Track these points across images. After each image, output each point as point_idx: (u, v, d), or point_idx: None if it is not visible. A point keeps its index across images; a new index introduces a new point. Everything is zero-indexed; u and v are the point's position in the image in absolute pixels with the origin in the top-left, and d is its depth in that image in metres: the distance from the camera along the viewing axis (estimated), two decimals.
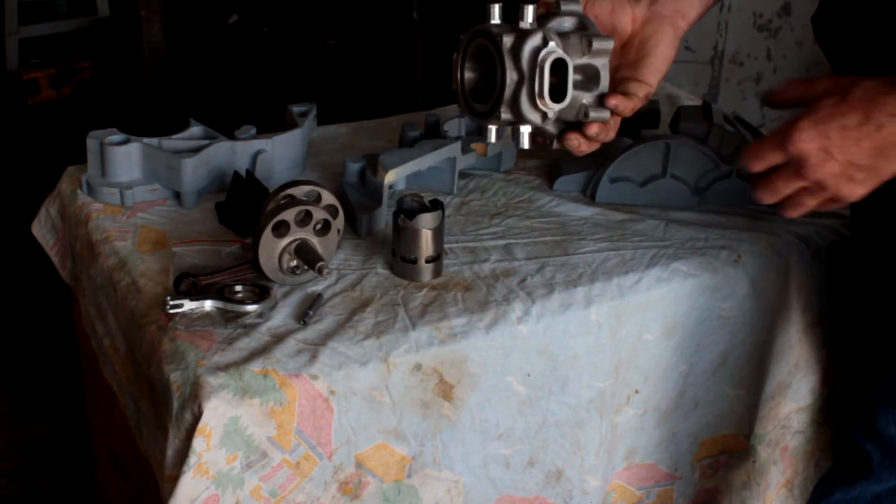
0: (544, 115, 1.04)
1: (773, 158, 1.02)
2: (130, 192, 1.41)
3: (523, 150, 1.60)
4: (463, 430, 1.25)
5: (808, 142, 0.98)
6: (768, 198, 1.05)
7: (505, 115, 1.05)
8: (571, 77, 1.03)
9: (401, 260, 1.28)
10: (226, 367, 1.11)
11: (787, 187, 1.03)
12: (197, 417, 1.08)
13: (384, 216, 1.40)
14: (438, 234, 1.27)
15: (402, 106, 2.55)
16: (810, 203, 1.04)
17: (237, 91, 3.63)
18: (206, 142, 1.46)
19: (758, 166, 1.03)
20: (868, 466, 1.24)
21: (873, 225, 1.23)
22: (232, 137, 1.47)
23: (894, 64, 1.07)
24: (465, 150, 1.50)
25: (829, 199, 1.04)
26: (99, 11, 3.97)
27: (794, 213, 1.06)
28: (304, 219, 1.24)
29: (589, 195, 1.51)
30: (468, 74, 1.09)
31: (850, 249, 1.40)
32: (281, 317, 1.20)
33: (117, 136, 1.44)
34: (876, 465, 1.23)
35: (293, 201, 1.25)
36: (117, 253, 1.32)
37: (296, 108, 1.61)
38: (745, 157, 1.04)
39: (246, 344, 1.15)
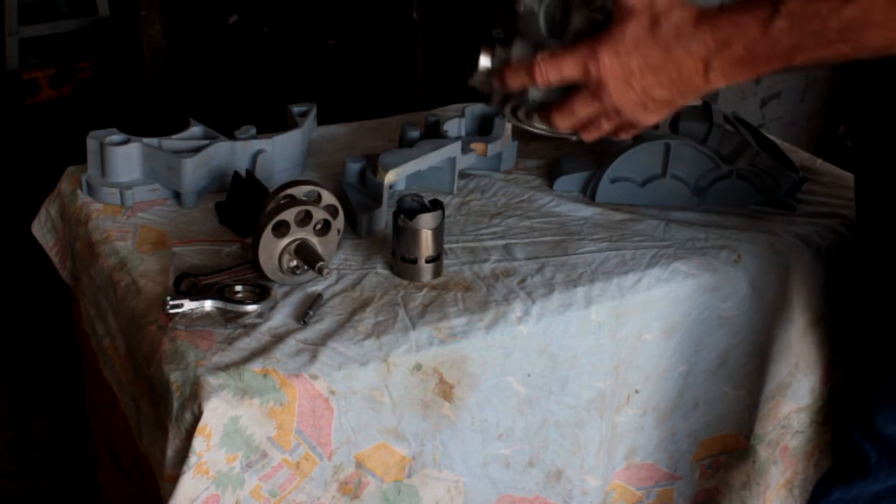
0: None
1: (572, 74, 1.00)
2: (130, 192, 1.41)
3: (524, 150, 1.60)
4: (463, 430, 1.25)
5: (608, 68, 0.97)
6: (565, 121, 1.03)
7: None
8: None
9: (401, 260, 1.28)
10: (226, 367, 1.11)
11: (583, 110, 1.02)
12: (197, 417, 1.08)
13: (384, 216, 1.40)
14: (438, 234, 1.27)
15: (402, 106, 2.56)
16: (606, 127, 1.03)
17: (237, 91, 3.63)
18: (206, 142, 1.46)
19: (553, 77, 1.00)
20: (866, 466, 1.24)
21: (879, 226, 1.23)
22: (232, 137, 1.47)
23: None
24: (465, 150, 1.50)
25: (626, 124, 1.03)
26: (99, 11, 3.98)
27: (591, 136, 1.05)
28: (304, 219, 1.24)
29: (589, 195, 1.51)
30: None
31: (853, 249, 1.40)
32: (281, 317, 1.20)
33: (117, 136, 1.44)
34: (874, 464, 1.23)
35: (293, 201, 1.25)
36: (117, 253, 1.32)
37: (296, 108, 1.61)
38: (544, 66, 1.00)
39: (246, 344, 1.15)
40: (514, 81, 1.03)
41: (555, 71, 0.99)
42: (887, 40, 0.88)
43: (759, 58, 0.93)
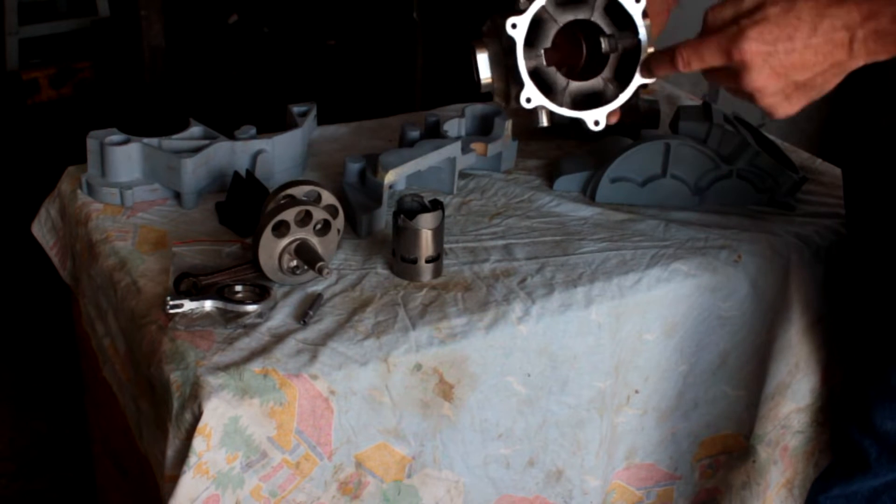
0: None
1: (714, 61, 0.98)
2: (130, 192, 1.41)
3: (524, 150, 1.60)
4: (463, 430, 1.25)
5: (754, 50, 0.95)
6: (693, 62, 1.01)
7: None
8: None
9: (401, 260, 1.28)
10: (226, 367, 1.11)
11: (713, 61, 0.99)
12: (197, 417, 1.08)
13: (384, 216, 1.40)
14: (438, 234, 1.27)
15: (402, 106, 2.55)
16: (727, 84, 1.02)
17: (237, 91, 3.63)
18: (206, 142, 1.46)
19: (696, 66, 1.00)
20: (866, 462, 1.24)
21: (869, 222, 1.23)
22: (232, 137, 1.47)
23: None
24: (465, 150, 1.50)
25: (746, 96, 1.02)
26: (99, 11, 3.98)
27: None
28: (304, 219, 1.24)
29: (589, 195, 1.51)
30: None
31: (847, 246, 1.40)
32: (281, 317, 1.20)
33: (117, 136, 1.44)
34: (873, 460, 1.24)
35: (293, 201, 1.25)
36: (117, 253, 1.32)
37: (296, 108, 1.61)
38: (685, 53, 0.99)
39: (246, 344, 1.15)
40: (660, 70, 1.04)
41: (697, 58, 0.98)
42: None
43: None
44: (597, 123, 1.08)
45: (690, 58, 0.99)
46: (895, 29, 0.92)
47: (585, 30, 1.10)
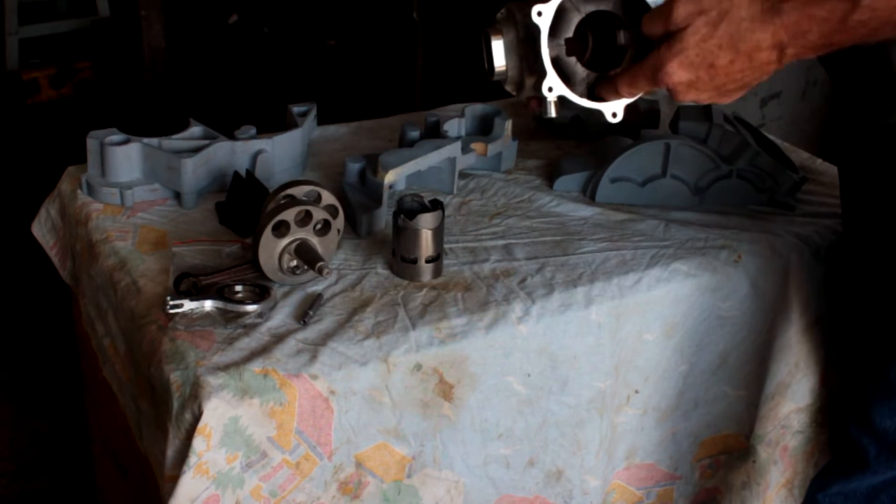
0: None
1: (646, 88, 1.04)
2: (130, 192, 1.41)
3: (524, 150, 1.60)
4: (463, 430, 1.25)
5: (675, 80, 0.99)
6: (629, 90, 1.08)
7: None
8: None
9: (401, 260, 1.28)
10: (226, 367, 1.11)
11: (645, 88, 1.06)
12: (197, 417, 1.08)
13: (384, 216, 1.40)
14: (438, 234, 1.27)
15: (402, 106, 2.55)
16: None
17: (237, 91, 3.63)
18: (206, 142, 1.46)
19: (633, 94, 1.06)
20: (864, 460, 1.24)
21: (866, 219, 1.23)
22: (232, 137, 1.47)
23: (885, 62, 1.08)
24: (465, 150, 1.50)
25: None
26: (99, 11, 3.98)
27: None
28: (304, 219, 1.24)
29: (589, 195, 1.51)
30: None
31: (845, 243, 1.40)
32: (281, 317, 1.20)
33: (117, 136, 1.44)
34: (872, 458, 1.24)
35: (293, 201, 1.25)
36: (117, 253, 1.32)
37: (296, 108, 1.61)
38: (620, 84, 1.05)
39: (246, 344, 1.15)
40: (608, 97, 1.08)
41: (631, 87, 1.04)
42: None
43: (834, 43, 0.94)
44: (614, 115, 1.09)
45: (625, 88, 1.05)
46: (824, 42, 0.95)
47: (597, 22, 1.10)
